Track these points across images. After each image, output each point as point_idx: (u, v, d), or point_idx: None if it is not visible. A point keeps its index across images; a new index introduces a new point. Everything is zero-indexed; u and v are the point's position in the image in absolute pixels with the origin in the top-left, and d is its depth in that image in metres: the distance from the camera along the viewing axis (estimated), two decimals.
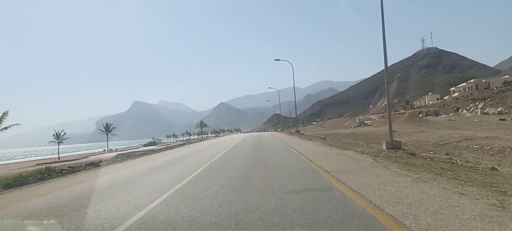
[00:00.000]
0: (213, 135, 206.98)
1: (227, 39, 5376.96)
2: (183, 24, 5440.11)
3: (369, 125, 71.48)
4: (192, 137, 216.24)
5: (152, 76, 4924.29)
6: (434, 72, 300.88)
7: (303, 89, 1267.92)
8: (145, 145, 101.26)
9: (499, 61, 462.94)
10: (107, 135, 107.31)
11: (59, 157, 70.20)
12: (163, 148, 44.71)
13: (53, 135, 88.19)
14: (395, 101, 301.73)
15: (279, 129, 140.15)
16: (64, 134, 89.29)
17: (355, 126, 72.00)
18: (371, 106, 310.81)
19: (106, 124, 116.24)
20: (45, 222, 6.09)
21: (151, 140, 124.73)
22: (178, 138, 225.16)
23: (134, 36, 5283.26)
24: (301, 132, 50.23)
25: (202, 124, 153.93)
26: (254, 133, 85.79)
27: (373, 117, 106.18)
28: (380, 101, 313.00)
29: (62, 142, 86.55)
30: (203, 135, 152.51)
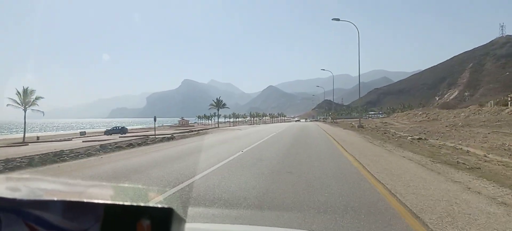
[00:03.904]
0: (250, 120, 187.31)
1: (279, 22, 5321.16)
2: (237, 4, 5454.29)
3: None
4: (238, 119, 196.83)
5: (203, 55, 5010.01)
6: None
7: (354, 78, 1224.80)
8: (108, 132, 59.66)
9: None
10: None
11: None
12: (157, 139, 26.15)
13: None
14: (466, 93, 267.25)
15: (329, 119, 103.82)
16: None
17: None
18: (437, 98, 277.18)
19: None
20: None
21: (116, 126, 66.50)
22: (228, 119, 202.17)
23: (186, 14, 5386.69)
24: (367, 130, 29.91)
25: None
26: (295, 125, 64.86)
27: None
28: (448, 93, 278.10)
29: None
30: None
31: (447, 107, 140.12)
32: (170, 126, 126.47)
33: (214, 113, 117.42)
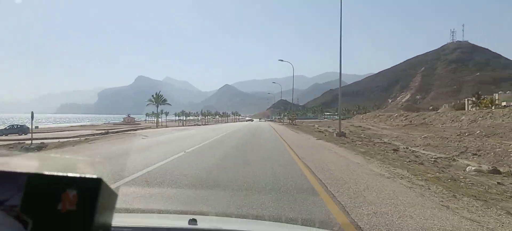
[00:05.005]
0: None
1: (237, 21, 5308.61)
2: (193, 0, 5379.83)
3: None
4: (189, 118, 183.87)
5: (159, 52, 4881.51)
6: (464, 69, 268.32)
7: (310, 79, 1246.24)
8: (3, 132, 45.57)
9: None
10: None
11: None
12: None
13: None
14: (418, 97, 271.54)
15: (285, 119, 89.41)
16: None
17: None
18: (390, 101, 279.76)
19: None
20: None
21: (15, 124, 51.10)
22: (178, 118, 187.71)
23: (141, 8, 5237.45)
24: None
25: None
26: (247, 124, 56.25)
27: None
28: (400, 96, 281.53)
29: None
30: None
31: (408, 109, 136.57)
32: (114, 124, 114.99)
33: (160, 111, 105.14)
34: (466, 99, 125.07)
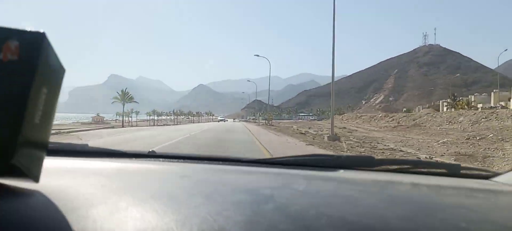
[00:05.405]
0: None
1: (211, 19, 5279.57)
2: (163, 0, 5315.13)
3: None
4: (161, 117, 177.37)
5: (132, 50, 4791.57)
6: (436, 72, 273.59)
7: (284, 80, 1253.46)
8: None
9: (497, 64, 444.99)
10: None
11: None
12: None
13: None
14: (391, 98, 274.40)
15: (260, 119, 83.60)
16: None
17: None
18: (363, 102, 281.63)
19: None
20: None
21: None
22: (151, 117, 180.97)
23: (113, 5, 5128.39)
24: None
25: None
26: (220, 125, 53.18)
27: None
28: (374, 97, 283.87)
29: None
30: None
31: (385, 111, 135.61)
32: (82, 123, 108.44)
33: (129, 109, 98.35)
34: (440, 101, 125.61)
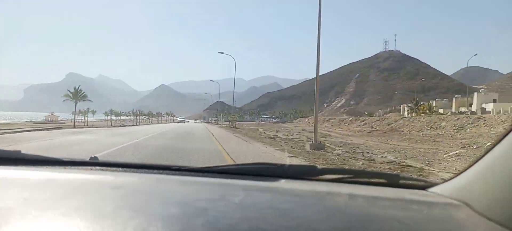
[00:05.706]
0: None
1: (174, 17, 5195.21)
2: None
3: None
4: (120, 117, 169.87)
5: (91, 48, 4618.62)
6: (395, 77, 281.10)
7: (247, 82, 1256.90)
8: None
9: (453, 71, 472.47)
10: None
11: None
12: None
13: None
14: (352, 102, 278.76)
15: (222, 121, 78.98)
16: None
17: None
18: (325, 105, 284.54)
19: None
20: None
21: None
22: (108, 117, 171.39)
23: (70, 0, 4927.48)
24: None
25: None
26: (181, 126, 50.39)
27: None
28: (336, 101, 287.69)
29: None
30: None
31: (350, 114, 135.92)
32: (34, 122, 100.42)
33: (86, 108, 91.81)
34: (402, 105, 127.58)
